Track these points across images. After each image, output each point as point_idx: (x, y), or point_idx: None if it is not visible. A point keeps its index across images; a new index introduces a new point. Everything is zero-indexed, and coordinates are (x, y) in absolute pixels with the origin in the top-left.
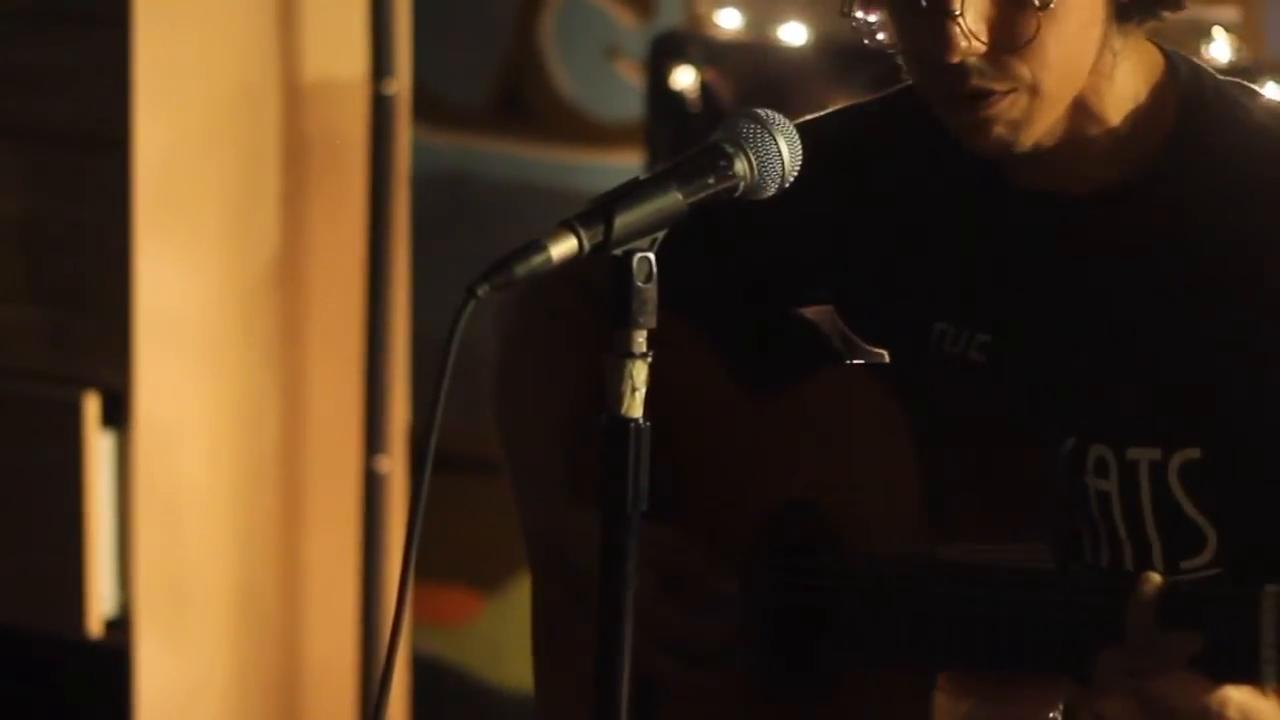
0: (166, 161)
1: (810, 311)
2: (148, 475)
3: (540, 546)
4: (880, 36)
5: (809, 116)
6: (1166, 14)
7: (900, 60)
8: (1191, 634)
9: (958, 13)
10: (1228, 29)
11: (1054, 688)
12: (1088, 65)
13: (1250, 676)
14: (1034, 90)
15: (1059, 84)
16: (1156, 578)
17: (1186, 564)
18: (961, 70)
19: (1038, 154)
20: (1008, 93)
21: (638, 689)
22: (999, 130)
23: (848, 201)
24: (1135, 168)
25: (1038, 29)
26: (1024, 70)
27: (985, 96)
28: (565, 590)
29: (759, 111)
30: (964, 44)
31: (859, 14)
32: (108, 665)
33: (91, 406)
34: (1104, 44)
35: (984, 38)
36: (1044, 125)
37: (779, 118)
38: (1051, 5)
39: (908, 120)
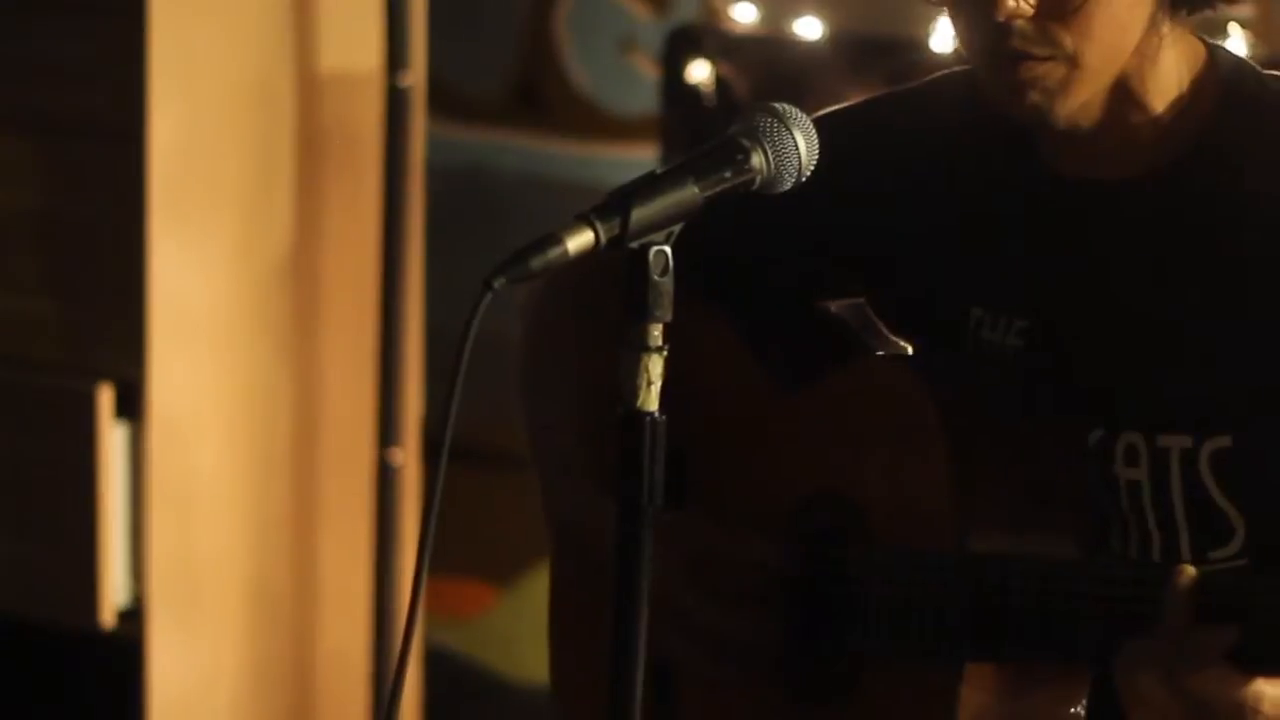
0: (181, 153)
1: (839, 306)
2: (161, 467)
3: (563, 534)
4: None
5: (846, 104)
6: (1221, 6)
7: (947, 15)
8: (1228, 627)
9: None
10: (1244, 25)
11: (1080, 682)
12: (1131, 44)
13: None
14: (1074, 61)
15: (1100, 58)
16: (1191, 569)
17: (1214, 554)
18: (1005, 30)
19: (1077, 138)
20: (1047, 59)
21: (657, 679)
22: (1034, 96)
23: (885, 188)
24: (1174, 156)
25: (1085, 0)
26: (1066, 39)
27: (1025, 59)
28: (585, 577)
29: (776, 105)
30: (1011, 4)
31: None
32: (120, 656)
33: (105, 398)
34: (1151, 26)
35: (1032, 1)
36: (1080, 98)
37: (796, 111)
38: None
39: (945, 107)
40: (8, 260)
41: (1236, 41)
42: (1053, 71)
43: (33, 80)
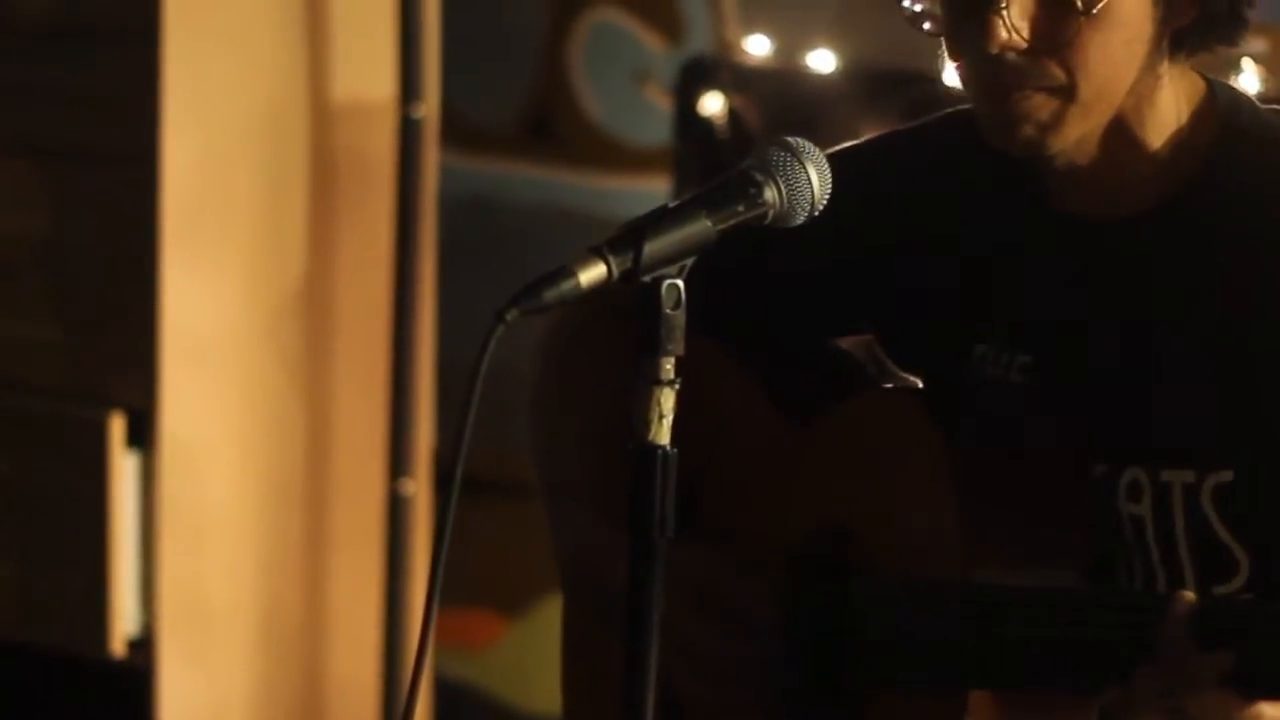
0: (194, 181)
1: (846, 342)
2: (172, 495)
3: (572, 570)
4: (926, 26)
5: (851, 142)
6: (1220, 49)
7: (943, 48)
8: (1224, 652)
9: (1003, 6)
10: (1256, 60)
11: (1084, 712)
12: (1127, 81)
13: None
14: (1068, 94)
15: (1094, 92)
16: (1190, 596)
17: (1219, 589)
18: (999, 63)
19: (1076, 175)
20: (1040, 91)
21: (664, 711)
22: (1027, 130)
23: (889, 226)
24: (1173, 192)
25: (1078, 33)
26: (1059, 72)
27: (1017, 91)
28: (596, 613)
29: (789, 139)
30: (1004, 36)
31: (908, 2)
32: (131, 685)
33: (116, 426)
34: (1148, 66)
35: (1025, 34)
36: (1074, 133)
37: (809, 146)
38: (1094, 11)
39: (949, 144)
40: (21, 286)
41: (1249, 76)
42: (1046, 104)
43: (47, 107)
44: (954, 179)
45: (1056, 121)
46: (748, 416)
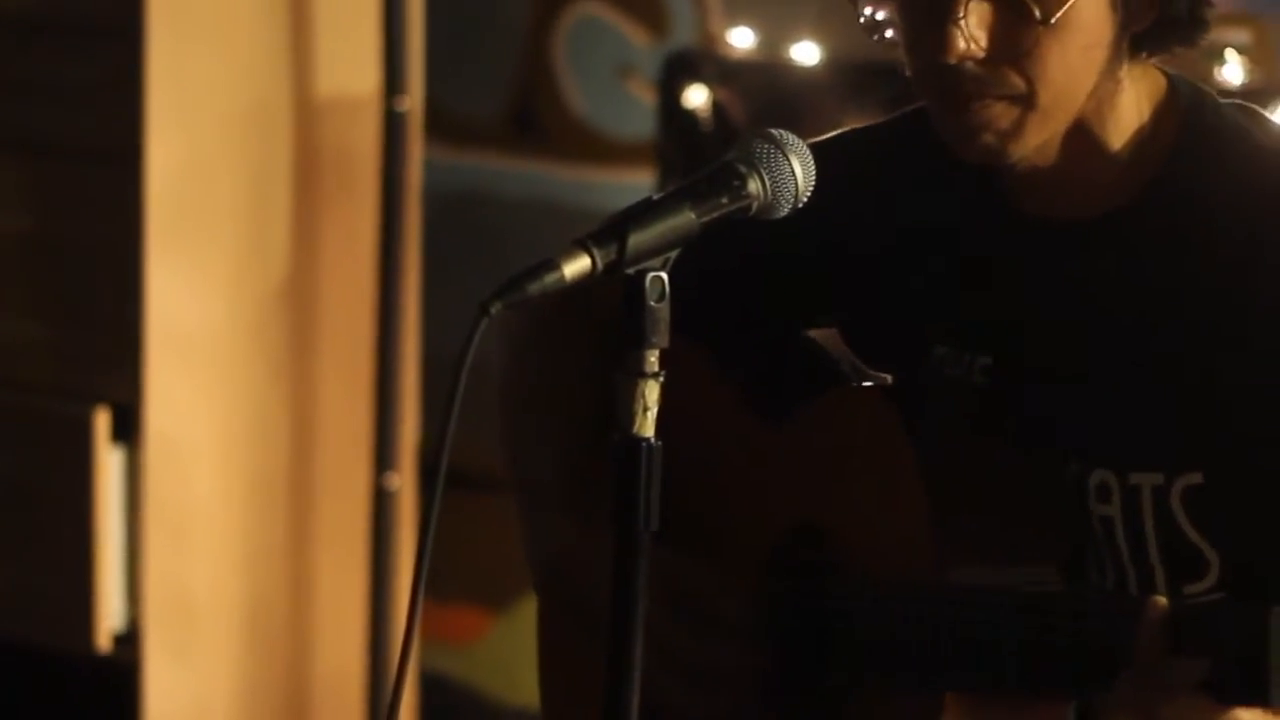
0: (178, 177)
1: (817, 334)
2: (157, 490)
3: (544, 571)
4: (888, 34)
5: (814, 139)
6: (1179, 50)
7: (903, 56)
8: (1199, 657)
9: (960, 16)
10: (1240, 51)
11: (1060, 713)
12: (1087, 87)
13: (1258, 697)
14: (1028, 102)
15: (1054, 100)
16: (1163, 600)
17: (1189, 589)
18: (957, 72)
19: (1037, 177)
20: (999, 100)
21: (642, 714)
22: (987, 138)
23: (851, 224)
24: (1135, 192)
25: (1037, 42)
26: (1018, 81)
27: (977, 100)
28: (569, 614)
29: (773, 131)
30: (962, 46)
31: (867, 11)
32: (116, 680)
33: (102, 422)
34: (1108, 70)
35: (983, 44)
36: (1035, 140)
37: (793, 138)
38: (1053, 21)
39: (913, 144)
40: (4, 283)
41: (1233, 67)
42: (1006, 113)
43: (30, 103)
44: (919, 178)
45: (1017, 129)
46: (720, 416)
